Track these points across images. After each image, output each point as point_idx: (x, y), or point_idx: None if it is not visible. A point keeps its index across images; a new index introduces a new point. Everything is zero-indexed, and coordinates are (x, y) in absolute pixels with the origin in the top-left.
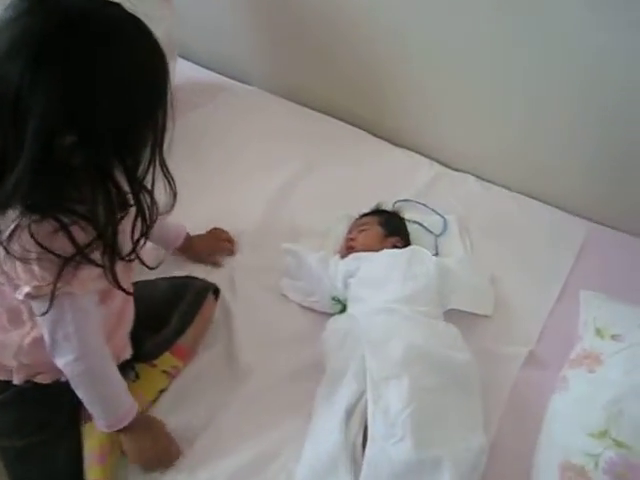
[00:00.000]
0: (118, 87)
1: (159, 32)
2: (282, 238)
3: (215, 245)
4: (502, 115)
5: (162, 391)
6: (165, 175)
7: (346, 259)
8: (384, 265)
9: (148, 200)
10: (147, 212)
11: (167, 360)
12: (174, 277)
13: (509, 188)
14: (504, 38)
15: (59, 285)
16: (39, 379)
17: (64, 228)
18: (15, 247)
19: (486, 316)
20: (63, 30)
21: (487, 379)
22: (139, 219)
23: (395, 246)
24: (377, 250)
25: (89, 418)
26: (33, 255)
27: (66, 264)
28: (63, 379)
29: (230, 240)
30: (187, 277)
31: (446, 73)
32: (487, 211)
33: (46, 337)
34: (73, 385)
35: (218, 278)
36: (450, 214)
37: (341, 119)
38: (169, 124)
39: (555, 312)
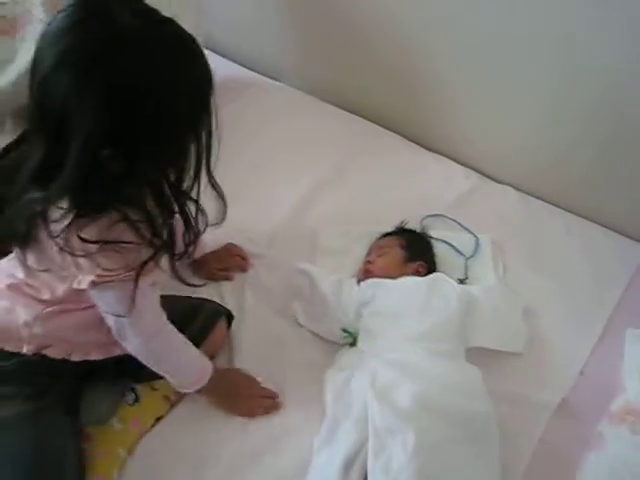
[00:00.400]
0: (162, 107)
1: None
2: (299, 254)
3: (227, 261)
4: (551, 122)
5: (159, 418)
6: (214, 188)
7: (362, 285)
8: (400, 296)
9: (194, 211)
10: (193, 223)
11: (169, 385)
12: (188, 297)
13: (555, 204)
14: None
15: (125, 273)
16: (49, 352)
17: (126, 219)
18: (74, 243)
19: (516, 354)
20: (111, 47)
21: (512, 428)
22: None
23: (417, 272)
24: (397, 276)
25: None
26: (93, 248)
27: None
28: (73, 357)
29: (243, 256)
30: (201, 299)
31: (489, 75)
32: (527, 230)
33: (112, 323)
34: (146, 363)
35: (228, 296)
36: (484, 233)
37: (373, 120)
38: (214, 142)
39: (596, 353)
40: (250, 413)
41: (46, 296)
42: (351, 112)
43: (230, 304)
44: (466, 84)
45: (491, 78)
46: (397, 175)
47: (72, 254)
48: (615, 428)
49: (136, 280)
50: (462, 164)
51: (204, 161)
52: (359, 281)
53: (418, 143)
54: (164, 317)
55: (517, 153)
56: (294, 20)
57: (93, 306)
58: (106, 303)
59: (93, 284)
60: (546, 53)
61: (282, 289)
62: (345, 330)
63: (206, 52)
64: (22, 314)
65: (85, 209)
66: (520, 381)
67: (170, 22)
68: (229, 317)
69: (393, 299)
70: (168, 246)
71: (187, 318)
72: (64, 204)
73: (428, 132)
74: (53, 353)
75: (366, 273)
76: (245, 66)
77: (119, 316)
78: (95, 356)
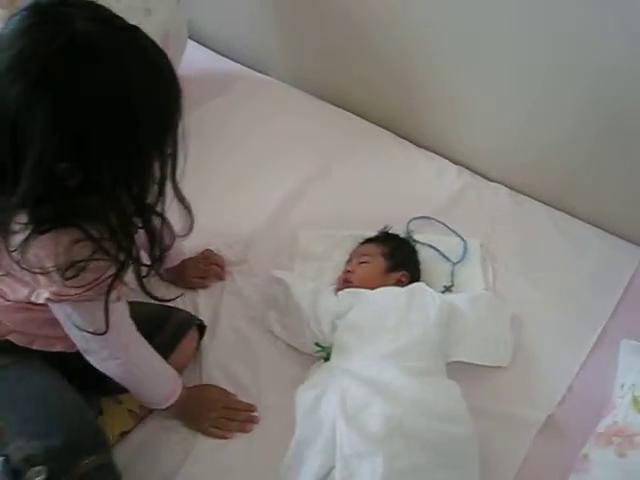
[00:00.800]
0: (118, 116)
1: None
2: (278, 260)
3: (204, 269)
4: (544, 118)
5: (125, 433)
6: (180, 202)
7: (340, 295)
8: (378, 308)
9: (159, 224)
10: (157, 237)
11: (135, 399)
12: (156, 305)
13: (548, 203)
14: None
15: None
16: (12, 337)
17: (87, 236)
18: (30, 258)
19: (501, 367)
20: (66, 56)
21: (495, 447)
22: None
23: (400, 282)
24: (377, 287)
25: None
26: (50, 265)
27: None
28: (35, 347)
29: (220, 264)
30: (170, 307)
31: (477, 67)
32: (519, 231)
33: (75, 338)
34: (114, 378)
35: (203, 305)
36: (473, 236)
37: (364, 117)
38: (180, 155)
39: (587, 366)
40: (222, 434)
41: (9, 297)
42: (341, 107)
43: (205, 313)
44: (458, 80)
45: (484, 74)
46: (386, 174)
47: (27, 270)
48: (601, 450)
49: (106, 302)
50: (454, 162)
51: (169, 175)
52: (338, 290)
53: (409, 140)
54: (133, 330)
55: (510, 150)
56: (284, 12)
57: None
58: (67, 317)
59: (49, 300)
60: (539, 50)
61: (259, 298)
62: (318, 344)
63: (192, 44)
64: None
65: (42, 225)
66: (504, 397)
67: (133, 31)
68: (201, 327)
69: (370, 312)
70: (134, 262)
71: (154, 327)
72: (23, 218)
73: (420, 129)
74: (15, 339)
75: (345, 283)
76: (233, 59)
77: (84, 330)
78: (59, 348)
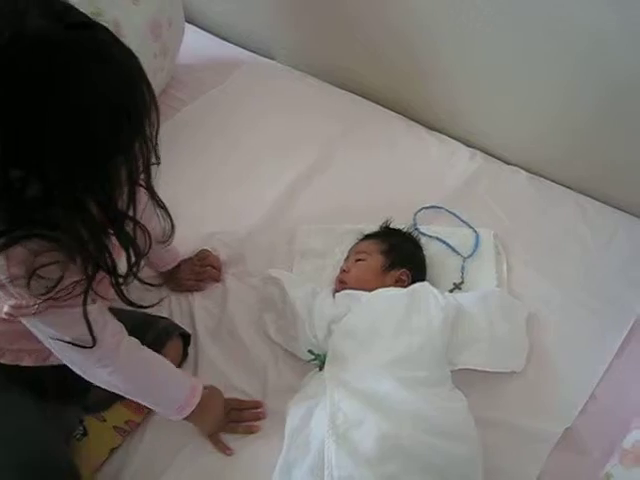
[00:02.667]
0: (70, 119)
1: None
2: (276, 258)
3: (199, 272)
4: (568, 96)
5: (114, 449)
6: (158, 205)
7: (337, 296)
8: (375, 312)
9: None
10: (131, 244)
11: (119, 414)
12: (133, 314)
13: (572, 188)
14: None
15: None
16: None
17: (53, 249)
18: None
19: (515, 373)
20: (11, 53)
21: (505, 463)
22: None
23: (399, 281)
24: (374, 288)
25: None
26: (3, 277)
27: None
28: (3, 361)
29: (216, 266)
30: (149, 315)
31: (491, 43)
32: (537, 219)
33: (59, 353)
34: (117, 391)
35: (197, 307)
36: (486, 226)
37: (370, 99)
38: (152, 154)
39: (612, 372)
40: (225, 449)
41: None
42: (348, 90)
43: (200, 316)
44: (472, 57)
45: (499, 50)
46: (393, 160)
47: None
48: (627, 470)
49: (85, 313)
50: (467, 144)
51: (144, 179)
52: (335, 292)
53: (419, 122)
54: (120, 331)
55: (528, 130)
56: None
57: None
58: (39, 330)
59: (9, 315)
60: (558, 30)
61: (255, 299)
62: (311, 352)
63: (192, 28)
64: None
65: (2, 236)
66: (517, 407)
67: (94, 27)
68: (185, 336)
69: (366, 316)
70: (108, 270)
71: (133, 336)
72: None
73: (430, 110)
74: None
75: (341, 284)
76: (234, 43)
77: (60, 340)
78: (28, 362)
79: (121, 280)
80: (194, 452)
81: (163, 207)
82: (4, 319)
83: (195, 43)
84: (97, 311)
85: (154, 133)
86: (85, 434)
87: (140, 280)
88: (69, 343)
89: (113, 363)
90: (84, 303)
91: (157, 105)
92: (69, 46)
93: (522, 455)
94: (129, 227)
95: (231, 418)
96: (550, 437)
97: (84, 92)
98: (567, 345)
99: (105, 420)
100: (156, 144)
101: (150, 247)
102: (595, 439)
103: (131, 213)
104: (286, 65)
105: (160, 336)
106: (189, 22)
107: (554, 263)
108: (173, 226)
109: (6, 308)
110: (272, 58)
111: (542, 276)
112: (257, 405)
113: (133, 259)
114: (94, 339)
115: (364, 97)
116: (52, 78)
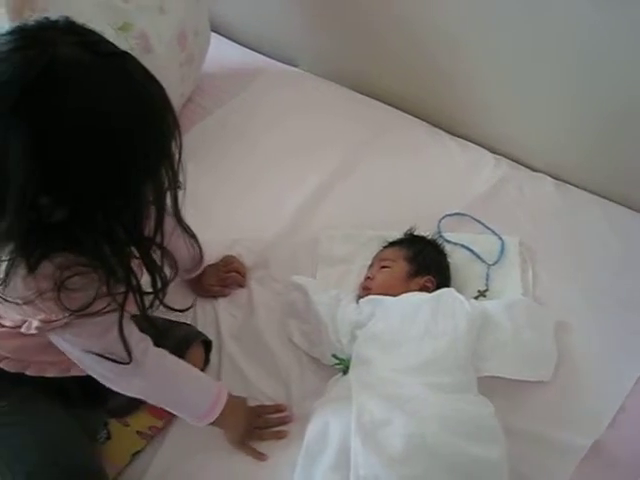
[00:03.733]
0: (100, 147)
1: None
2: (301, 265)
3: (224, 277)
4: (592, 100)
5: (137, 453)
6: (184, 231)
7: (361, 302)
8: (400, 317)
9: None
10: (156, 269)
11: (142, 419)
12: (156, 318)
13: (600, 195)
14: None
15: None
16: (3, 364)
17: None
18: (13, 289)
19: (542, 382)
20: (44, 83)
21: (530, 475)
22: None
23: (424, 288)
24: (399, 295)
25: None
26: (31, 293)
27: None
28: (28, 373)
29: (241, 272)
30: (170, 321)
31: (516, 49)
32: (564, 227)
33: (90, 369)
34: (144, 398)
35: (222, 313)
36: (512, 234)
37: (394, 105)
38: (181, 184)
39: None
40: (258, 455)
41: (5, 322)
42: (370, 97)
43: (224, 321)
44: (497, 62)
45: (524, 56)
46: (417, 166)
47: (10, 301)
48: None
49: (121, 331)
50: (492, 150)
51: (171, 204)
52: (359, 298)
53: (443, 129)
54: (144, 339)
55: (554, 135)
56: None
57: None
58: (69, 344)
59: (39, 329)
60: (584, 34)
61: (280, 305)
62: (335, 356)
63: (216, 36)
64: None
65: (30, 256)
66: (544, 417)
67: (121, 57)
68: (207, 342)
69: (391, 321)
70: (133, 291)
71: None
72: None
73: (454, 116)
74: (8, 366)
75: (364, 290)
76: (258, 51)
77: (91, 352)
78: (52, 373)
79: (147, 305)
80: (216, 456)
81: (191, 235)
82: (22, 334)
83: (218, 51)
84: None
85: (178, 159)
86: (109, 437)
87: (166, 306)
88: (99, 356)
89: (140, 371)
90: (120, 330)
91: (180, 132)
92: (99, 74)
93: (548, 466)
94: (156, 254)
95: (257, 425)
96: (578, 449)
97: (112, 119)
98: (595, 354)
99: (129, 425)
100: (179, 170)
101: (176, 275)
102: (624, 452)
103: (158, 239)
104: (309, 72)
105: (181, 343)
106: (213, 31)
107: (581, 270)
108: (202, 254)
109: (36, 323)
110: (295, 65)
111: (569, 284)
112: (281, 409)
113: (159, 284)
114: (129, 354)
115: (387, 103)
116: (83, 105)
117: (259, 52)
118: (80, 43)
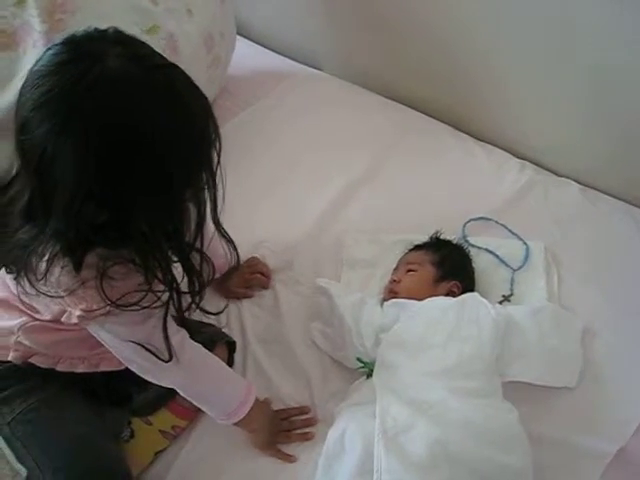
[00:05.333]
0: (147, 157)
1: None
2: (324, 267)
3: (248, 279)
4: (618, 101)
5: (159, 452)
6: (222, 236)
7: (385, 305)
8: (425, 321)
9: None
10: (195, 274)
11: (166, 419)
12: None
13: (627, 201)
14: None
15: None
16: (34, 360)
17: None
18: (56, 282)
19: (567, 388)
20: (93, 94)
21: None
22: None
23: (451, 293)
24: (425, 299)
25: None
26: (74, 282)
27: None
28: (59, 368)
29: (265, 273)
30: (195, 322)
31: (541, 54)
32: (590, 233)
33: (129, 361)
34: (178, 390)
35: (245, 314)
36: (537, 239)
37: (418, 109)
38: (219, 186)
39: None
40: (287, 457)
41: (41, 314)
42: (396, 101)
43: (249, 322)
44: (522, 66)
45: (549, 61)
46: (442, 171)
47: (53, 296)
48: None
49: (164, 328)
50: (517, 155)
51: (209, 211)
52: (384, 301)
53: (468, 133)
54: (182, 335)
55: (581, 140)
56: (335, 2)
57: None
58: (109, 334)
59: (82, 318)
60: (605, 40)
61: (304, 307)
62: (360, 360)
63: (241, 39)
64: (9, 322)
65: (75, 255)
66: (569, 423)
67: (169, 69)
68: (231, 343)
69: (416, 325)
70: (173, 291)
71: None
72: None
73: (479, 120)
74: (39, 362)
75: (390, 293)
76: (282, 54)
77: (130, 341)
78: (82, 369)
79: (184, 308)
80: (240, 456)
81: (229, 240)
82: (57, 329)
83: (244, 54)
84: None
85: (218, 166)
86: (132, 436)
87: (202, 309)
88: (139, 345)
89: (177, 362)
90: (164, 327)
91: (221, 140)
92: (147, 88)
93: (573, 473)
94: (195, 259)
95: (283, 427)
96: (603, 456)
97: (159, 130)
98: (621, 361)
99: (152, 424)
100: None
101: (213, 279)
102: None
103: (197, 244)
104: (334, 75)
105: (206, 343)
106: (238, 34)
107: (606, 276)
108: (239, 259)
109: (77, 312)
110: (320, 69)
111: (594, 289)
112: (306, 411)
113: (196, 288)
114: (169, 347)
115: (412, 107)
116: (129, 118)
117: (284, 55)
118: (128, 55)
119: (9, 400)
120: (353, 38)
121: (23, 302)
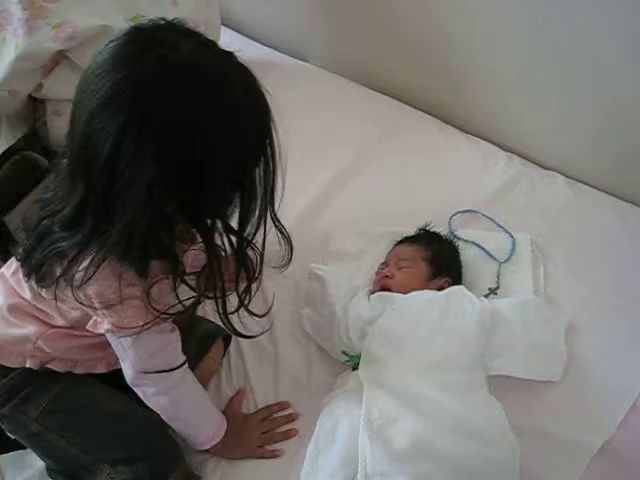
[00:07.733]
0: (226, 144)
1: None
2: (310, 260)
3: (234, 274)
4: (607, 91)
5: None
6: (279, 231)
7: (372, 298)
8: (410, 315)
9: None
10: (252, 271)
11: None
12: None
13: (613, 194)
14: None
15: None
16: (52, 365)
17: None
18: (90, 292)
19: (552, 382)
20: (169, 84)
21: (540, 475)
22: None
23: (442, 289)
24: None
25: None
26: (115, 299)
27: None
28: (77, 371)
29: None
30: (197, 317)
31: (527, 44)
32: (576, 226)
33: (129, 373)
34: (162, 414)
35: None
36: (523, 231)
37: (405, 101)
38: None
39: None
40: (273, 452)
41: (55, 321)
42: (382, 92)
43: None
44: (508, 57)
45: (535, 50)
46: (428, 163)
47: (86, 305)
48: None
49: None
50: (504, 148)
51: (267, 204)
52: (371, 294)
53: (454, 125)
54: (186, 366)
55: (567, 133)
56: None
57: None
58: (124, 350)
59: (109, 331)
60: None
61: (288, 300)
62: (345, 353)
63: (227, 31)
64: (25, 331)
65: (138, 257)
66: (554, 417)
67: (233, 55)
68: (226, 336)
69: (401, 319)
70: (221, 296)
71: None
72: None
73: (466, 113)
74: (56, 367)
75: (383, 288)
76: (268, 45)
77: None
78: (100, 369)
79: (233, 310)
80: None
81: (285, 234)
82: (73, 334)
83: (229, 46)
84: (178, 338)
85: (277, 160)
86: None
87: (249, 311)
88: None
89: (176, 392)
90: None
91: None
92: (223, 74)
93: (558, 466)
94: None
95: (264, 429)
96: (588, 449)
97: (239, 115)
98: (606, 354)
99: None
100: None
101: (261, 273)
102: (635, 452)
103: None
104: (320, 67)
105: (206, 339)
106: (224, 25)
107: (592, 269)
108: (292, 251)
109: (107, 325)
110: (306, 60)
111: (580, 282)
112: (285, 406)
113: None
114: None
115: (399, 100)
116: (210, 105)
117: (270, 47)
118: (198, 44)
119: (32, 396)
120: (340, 30)
121: (37, 308)
